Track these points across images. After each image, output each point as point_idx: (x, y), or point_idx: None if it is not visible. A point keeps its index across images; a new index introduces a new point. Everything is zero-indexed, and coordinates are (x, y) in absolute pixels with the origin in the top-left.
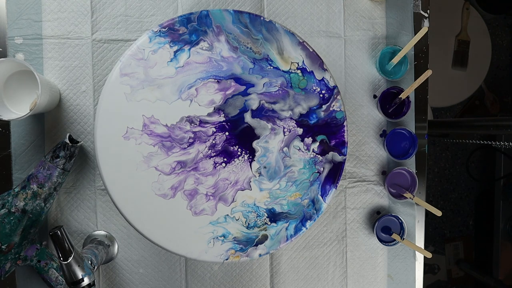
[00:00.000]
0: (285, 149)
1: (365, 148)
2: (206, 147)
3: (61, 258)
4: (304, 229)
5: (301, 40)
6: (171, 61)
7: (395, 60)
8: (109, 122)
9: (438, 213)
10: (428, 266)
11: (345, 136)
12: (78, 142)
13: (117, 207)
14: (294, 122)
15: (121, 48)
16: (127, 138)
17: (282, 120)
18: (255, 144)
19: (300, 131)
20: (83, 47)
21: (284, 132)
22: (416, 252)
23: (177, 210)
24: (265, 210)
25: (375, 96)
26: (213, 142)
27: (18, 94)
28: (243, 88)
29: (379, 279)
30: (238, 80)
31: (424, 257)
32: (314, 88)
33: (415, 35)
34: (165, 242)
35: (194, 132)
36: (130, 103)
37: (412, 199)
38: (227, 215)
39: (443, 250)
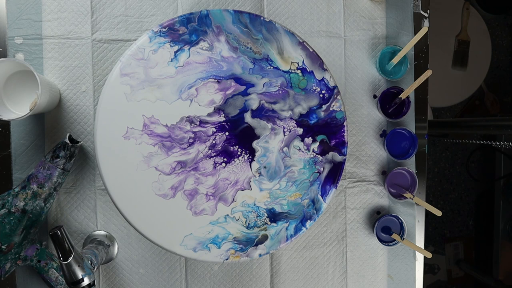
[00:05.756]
0: (285, 149)
1: (365, 148)
2: (206, 147)
3: (61, 258)
4: (304, 229)
5: (301, 40)
6: (171, 61)
7: (395, 60)
8: (109, 122)
9: (438, 213)
10: (428, 266)
11: (345, 136)
12: (78, 142)
13: (117, 207)
14: (294, 122)
15: (121, 48)
16: (127, 138)
17: (282, 120)
18: (255, 144)
19: (300, 131)
20: (83, 47)
21: (284, 132)
22: (416, 252)
23: (177, 210)
24: (265, 210)
25: (375, 96)
26: (213, 142)
27: (18, 94)
28: (243, 88)
29: (379, 279)
30: (238, 80)
31: (424, 257)
32: (314, 88)
33: (415, 35)
34: (165, 242)
35: (194, 132)
36: (130, 103)
37: (412, 199)
38: (227, 215)
39: (443, 250)
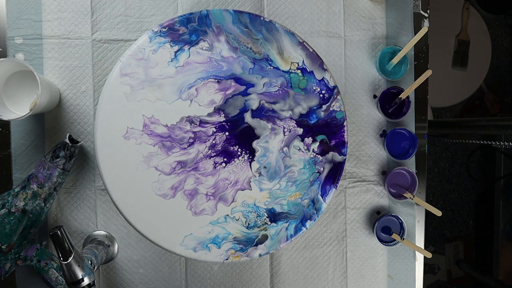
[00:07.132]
0: (285, 149)
1: (365, 148)
2: (206, 147)
3: (61, 258)
4: (304, 229)
5: (301, 40)
6: (171, 61)
7: (395, 60)
8: (109, 122)
9: (438, 213)
10: (428, 266)
11: (345, 136)
12: (78, 142)
13: (117, 207)
14: (294, 122)
15: (121, 48)
16: (127, 138)
17: (282, 120)
18: (255, 144)
19: (300, 131)
20: (83, 47)
21: (284, 132)
22: (416, 252)
23: (177, 210)
24: (265, 210)
25: (375, 96)
26: (213, 142)
27: (18, 94)
28: (243, 88)
29: (379, 279)
30: (238, 80)
31: (424, 257)
32: (314, 88)
33: (415, 35)
34: (165, 242)
35: (194, 132)
36: (130, 103)
37: (412, 199)
38: (227, 215)
39: (443, 250)
